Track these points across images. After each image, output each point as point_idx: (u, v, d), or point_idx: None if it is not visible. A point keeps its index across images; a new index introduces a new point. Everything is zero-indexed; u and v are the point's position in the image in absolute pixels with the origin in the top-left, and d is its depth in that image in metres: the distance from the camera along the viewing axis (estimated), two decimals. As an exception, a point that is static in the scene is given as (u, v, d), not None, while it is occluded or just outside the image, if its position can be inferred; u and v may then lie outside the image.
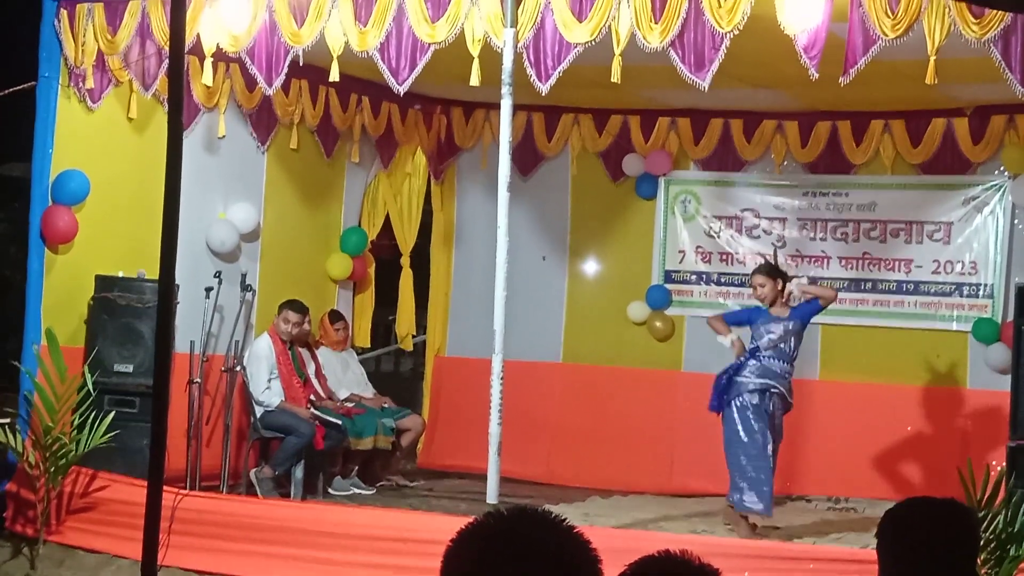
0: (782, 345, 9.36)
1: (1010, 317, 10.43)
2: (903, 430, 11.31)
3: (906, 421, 11.33)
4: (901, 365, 11.45)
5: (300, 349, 10.86)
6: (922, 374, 11.38)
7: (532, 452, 11.80)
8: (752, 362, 9.35)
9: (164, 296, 4.71)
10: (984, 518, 7.10)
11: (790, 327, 9.37)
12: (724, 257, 12.11)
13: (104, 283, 9.69)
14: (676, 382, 12.06)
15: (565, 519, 1.98)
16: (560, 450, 12.12)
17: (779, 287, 9.47)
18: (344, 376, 11.40)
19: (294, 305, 10.58)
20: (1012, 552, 7.14)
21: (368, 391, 11.55)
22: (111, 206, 9.83)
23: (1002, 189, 11.18)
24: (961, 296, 11.33)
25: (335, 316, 11.53)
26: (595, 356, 12.33)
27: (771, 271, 9.59)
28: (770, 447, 9.25)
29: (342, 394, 11.21)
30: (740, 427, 9.30)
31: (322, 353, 11.32)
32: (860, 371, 11.62)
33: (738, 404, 9.32)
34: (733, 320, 9.83)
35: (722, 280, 12.11)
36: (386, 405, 11.37)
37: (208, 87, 10.11)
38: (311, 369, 10.94)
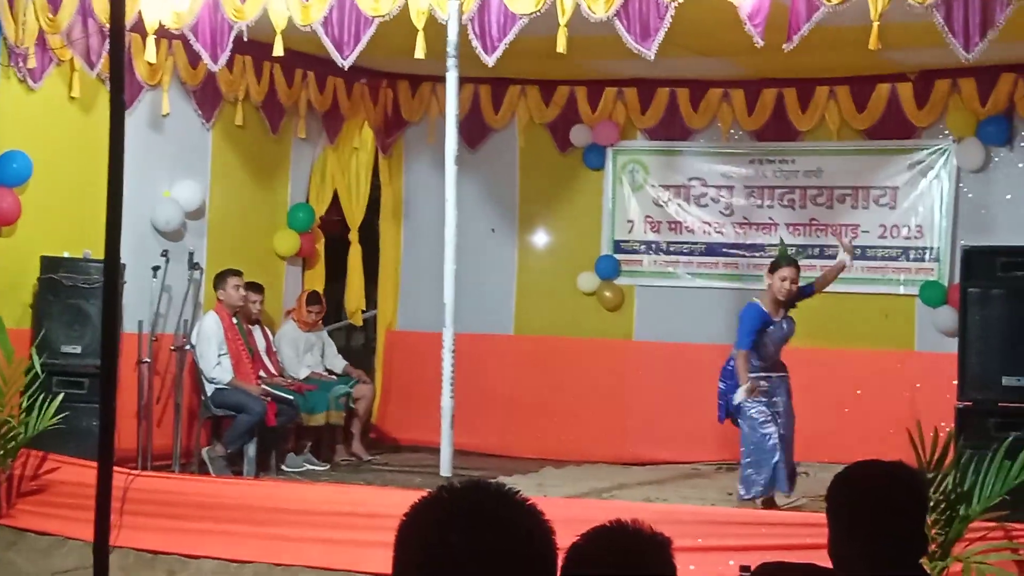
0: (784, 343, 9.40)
1: (956, 280, 10.52)
2: (853, 394, 11.40)
3: (855, 385, 11.42)
4: (849, 329, 11.54)
5: (249, 326, 10.82)
6: (870, 338, 11.47)
7: (485, 424, 11.81)
8: (759, 362, 9.28)
9: (110, 276, 4.67)
10: (933, 479, 7.17)
11: (786, 328, 9.37)
12: (673, 226, 12.14)
13: (49, 264, 9.60)
14: (627, 351, 12.11)
15: (518, 491, 1.98)
16: (513, 421, 12.14)
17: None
18: (307, 356, 11.37)
19: (232, 271, 10.52)
20: (961, 512, 7.22)
21: (337, 364, 11.55)
22: (55, 186, 9.74)
23: (946, 153, 11.26)
24: (908, 260, 11.42)
25: (313, 298, 11.51)
26: (546, 327, 12.35)
27: (796, 262, 9.47)
28: (772, 432, 9.20)
29: (302, 372, 11.19)
30: (751, 426, 9.26)
31: (288, 330, 11.33)
32: (809, 337, 11.63)
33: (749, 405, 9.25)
34: (751, 339, 9.37)
35: (671, 249, 12.14)
36: (354, 377, 11.40)
37: (151, 64, 10.01)
38: (261, 346, 10.90)
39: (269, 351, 11.01)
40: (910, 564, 3.30)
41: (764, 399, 9.22)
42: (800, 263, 11.54)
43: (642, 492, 9.86)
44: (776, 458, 9.14)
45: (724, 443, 11.59)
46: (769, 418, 9.19)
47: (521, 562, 1.92)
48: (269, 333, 11.15)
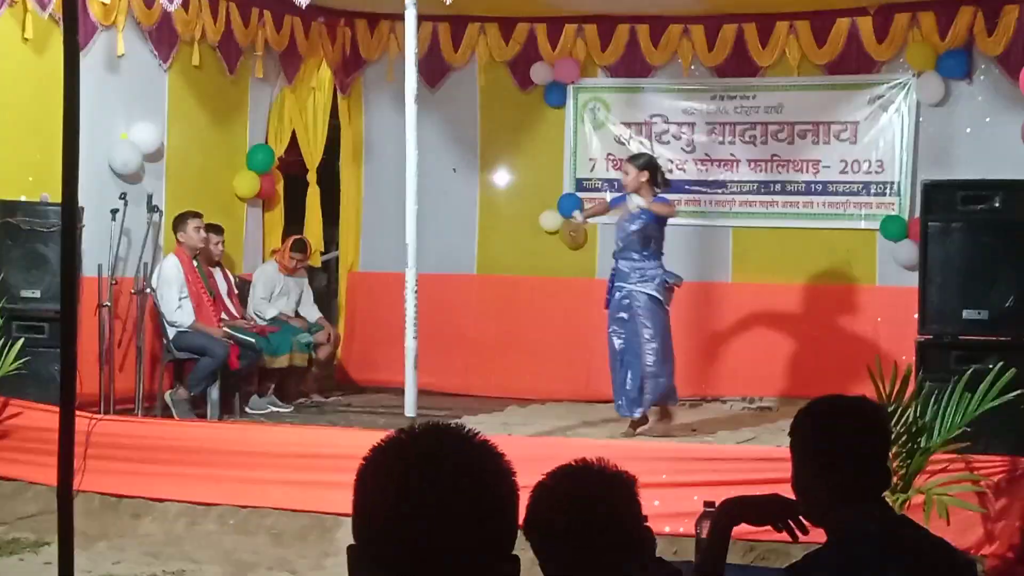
0: (629, 244, 9.47)
1: (916, 214, 10.55)
2: (815, 329, 11.46)
3: (818, 320, 11.48)
4: (811, 265, 11.59)
5: (210, 268, 10.77)
6: (832, 273, 11.52)
7: (449, 364, 11.82)
8: (614, 268, 9.55)
9: (67, 219, 4.62)
10: (895, 412, 7.22)
11: (636, 224, 9.43)
12: (634, 163, 12.11)
13: (6, 208, 9.51)
14: (590, 289, 12.08)
15: (478, 433, 1.97)
16: (477, 361, 12.16)
17: (644, 179, 9.45)
18: (281, 299, 11.34)
19: (192, 213, 10.45)
20: (923, 444, 7.29)
21: (311, 314, 11.52)
22: (10, 130, 9.63)
23: (907, 87, 11.27)
24: (868, 195, 11.45)
25: (298, 245, 11.46)
26: (509, 266, 12.35)
27: (636, 160, 9.62)
28: (620, 349, 9.39)
29: (269, 313, 11.17)
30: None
31: (267, 269, 11.33)
32: (771, 272, 11.74)
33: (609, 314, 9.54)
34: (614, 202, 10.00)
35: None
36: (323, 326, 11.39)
37: (105, 4, 9.89)
38: (223, 288, 10.86)
39: (231, 293, 10.96)
40: (873, 497, 3.33)
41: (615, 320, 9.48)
42: (762, 200, 11.69)
43: (606, 430, 9.90)
44: (617, 375, 9.43)
45: (687, 379, 11.65)
46: (611, 332, 9.44)
47: (483, 504, 1.91)
48: (230, 275, 11.10)
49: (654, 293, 9.41)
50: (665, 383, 9.45)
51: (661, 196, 9.53)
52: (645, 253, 9.46)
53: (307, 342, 11.12)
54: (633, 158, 9.79)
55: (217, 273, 10.89)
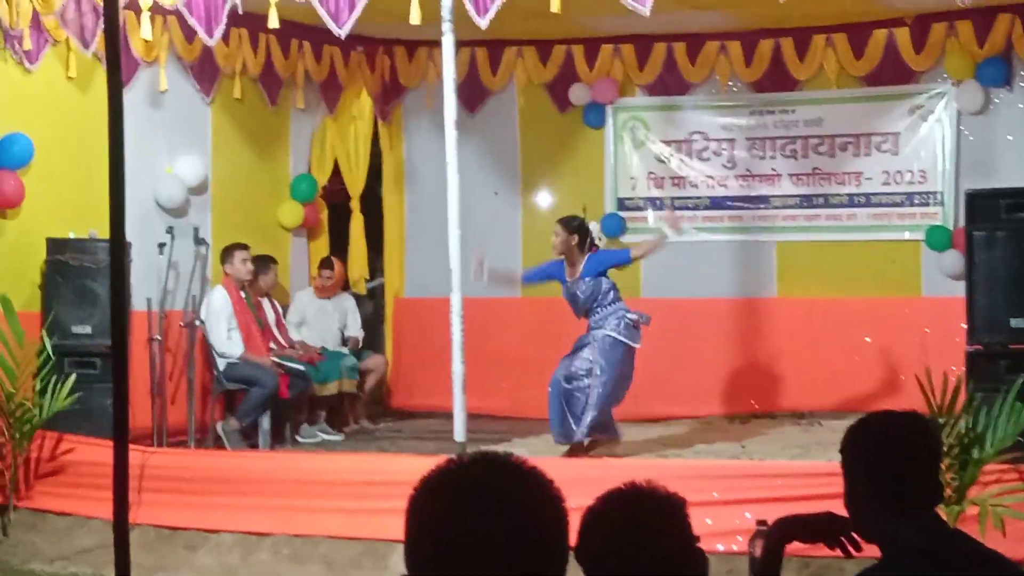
0: (583, 306, 9.56)
1: (961, 223, 10.50)
2: (862, 342, 11.40)
3: (865, 333, 11.43)
4: (857, 277, 11.54)
5: (259, 298, 10.85)
6: (878, 285, 11.47)
7: (497, 387, 11.83)
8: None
9: (116, 255, 4.67)
10: (945, 424, 7.19)
11: (580, 292, 9.52)
12: (676, 181, 12.13)
13: (56, 246, 9.61)
14: (635, 308, 12.09)
15: (525, 461, 1.98)
16: (524, 383, 12.12)
17: (574, 242, 9.51)
18: (318, 323, 11.42)
19: (238, 245, 10.55)
20: (975, 455, 7.24)
21: (355, 331, 11.59)
22: (57, 167, 9.74)
23: (946, 96, 11.23)
24: (912, 205, 11.40)
25: (324, 263, 11.64)
26: (553, 288, 12.27)
27: (569, 223, 9.62)
28: (556, 383, 9.44)
29: (297, 337, 11.22)
30: None
31: (300, 296, 11.48)
32: (817, 286, 11.70)
33: None
34: (529, 276, 10.37)
35: (675, 204, 12.13)
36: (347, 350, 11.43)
37: (147, 41, 9.99)
38: (271, 318, 10.94)
39: (279, 323, 11.04)
40: (926, 511, 3.32)
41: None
42: (805, 213, 11.66)
43: (655, 448, 9.88)
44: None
45: (735, 396, 11.64)
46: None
47: (532, 532, 1.93)
48: (278, 305, 11.17)
49: (612, 334, 9.43)
50: (596, 419, 9.41)
51: (589, 257, 9.57)
52: (602, 303, 9.51)
53: (353, 366, 11.17)
54: (563, 220, 9.74)
55: (265, 303, 10.97)
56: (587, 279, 9.51)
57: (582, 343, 9.53)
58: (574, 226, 9.60)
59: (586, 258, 9.56)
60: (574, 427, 9.36)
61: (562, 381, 9.42)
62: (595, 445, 9.51)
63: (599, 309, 9.50)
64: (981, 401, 7.41)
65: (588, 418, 9.32)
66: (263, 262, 10.92)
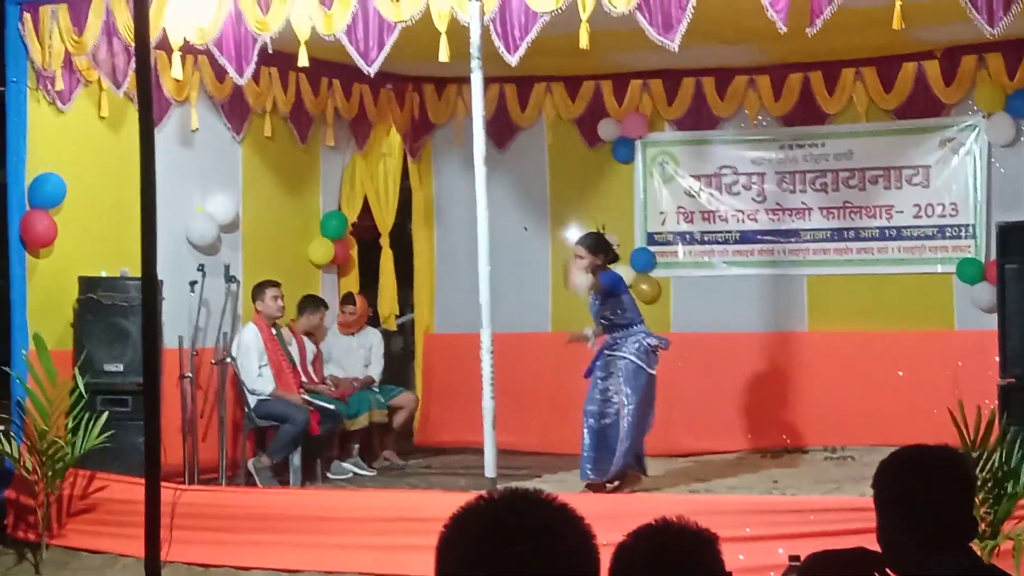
0: (601, 319, 9.56)
1: (993, 256, 10.47)
2: (895, 376, 11.34)
3: (897, 366, 11.37)
4: (889, 311, 11.50)
5: (301, 336, 10.93)
6: (910, 318, 11.42)
7: (527, 423, 11.82)
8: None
9: (148, 293, 4.71)
10: (979, 458, 7.14)
11: (595, 302, 9.55)
12: (706, 216, 12.12)
13: (88, 284, 9.67)
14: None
15: (556, 497, 1.98)
16: (555, 419, 12.12)
17: (599, 262, 9.52)
18: (344, 359, 11.46)
19: (270, 282, 10.61)
20: (1009, 489, 7.19)
21: (375, 371, 11.58)
22: (89, 206, 9.80)
23: (977, 129, 11.20)
24: (943, 238, 11.36)
25: (346, 298, 11.70)
26: (583, 323, 12.24)
27: (591, 246, 9.63)
28: (591, 418, 9.43)
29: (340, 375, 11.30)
30: None
31: (330, 335, 11.52)
32: (848, 320, 11.66)
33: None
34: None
35: (705, 239, 12.12)
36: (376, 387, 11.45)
37: (178, 81, 10.06)
38: (309, 355, 11.02)
39: (316, 360, 11.09)
40: (960, 546, 3.29)
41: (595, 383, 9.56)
42: (836, 247, 11.64)
43: (686, 483, 9.84)
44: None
45: (766, 431, 11.59)
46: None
47: (563, 569, 1.92)
48: (317, 344, 11.23)
49: (632, 358, 9.40)
50: (630, 449, 9.38)
51: (606, 272, 9.57)
52: (618, 323, 9.49)
53: (382, 398, 11.22)
54: (587, 244, 9.71)
55: (306, 340, 11.05)
56: (598, 296, 9.54)
57: (606, 369, 9.48)
58: (598, 245, 9.62)
59: (600, 276, 9.54)
60: (610, 462, 9.32)
61: (595, 419, 9.39)
62: (620, 487, 9.47)
63: (618, 328, 9.48)
64: (1014, 435, 7.36)
65: (623, 448, 9.30)
66: (314, 303, 11.12)
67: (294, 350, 10.90)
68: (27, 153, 9.53)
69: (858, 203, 11.66)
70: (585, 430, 9.43)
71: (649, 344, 9.45)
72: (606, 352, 9.51)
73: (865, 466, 9.87)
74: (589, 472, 9.42)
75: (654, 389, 9.51)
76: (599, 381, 9.47)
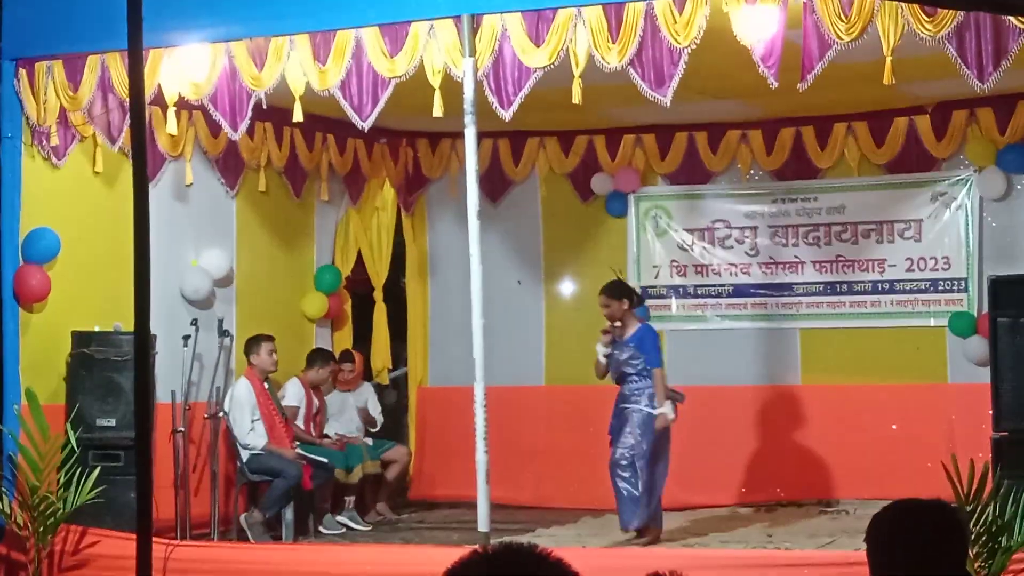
0: (615, 369, 9.71)
1: (985, 309, 10.46)
2: (888, 429, 11.35)
3: (891, 419, 11.38)
4: (882, 364, 11.51)
5: (304, 388, 10.95)
6: (903, 372, 11.43)
7: (521, 477, 11.79)
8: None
9: (140, 348, 4.69)
10: (973, 511, 7.12)
11: (622, 351, 9.66)
12: (699, 269, 12.14)
13: (81, 339, 9.65)
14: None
15: (550, 552, 1.98)
16: (549, 473, 12.12)
17: (626, 307, 9.71)
18: (340, 417, 11.46)
19: (265, 336, 10.62)
20: (1004, 543, 7.17)
21: (359, 432, 11.57)
22: (83, 261, 9.80)
23: (968, 183, 11.26)
24: (936, 291, 11.39)
25: (343, 355, 11.74)
26: (577, 377, 12.29)
27: (615, 292, 9.81)
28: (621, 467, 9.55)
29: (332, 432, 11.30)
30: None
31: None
32: (842, 373, 11.67)
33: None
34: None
35: (699, 292, 12.15)
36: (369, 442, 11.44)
37: (173, 136, 10.09)
38: (314, 409, 11.05)
39: (318, 414, 11.10)
40: (953, 601, 3.29)
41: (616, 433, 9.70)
42: (829, 300, 11.66)
43: (681, 537, 9.81)
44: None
45: (761, 484, 11.57)
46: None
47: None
48: (316, 398, 11.25)
49: (649, 410, 9.45)
50: (652, 500, 9.50)
51: (650, 333, 9.78)
52: (640, 373, 9.60)
53: (374, 449, 11.22)
54: (611, 291, 9.89)
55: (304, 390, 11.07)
56: (631, 344, 9.64)
57: (623, 421, 9.59)
58: (621, 291, 9.80)
59: (640, 326, 9.76)
60: (640, 511, 9.42)
61: (619, 472, 9.48)
62: (642, 539, 9.51)
63: (635, 378, 9.57)
64: (1008, 488, 7.35)
65: (648, 500, 9.44)
66: (323, 357, 11.23)
67: (302, 402, 10.89)
68: (21, 208, 9.52)
69: (851, 257, 11.69)
70: (621, 482, 9.48)
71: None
72: (627, 406, 9.63)
73: (859, 519, 9.86)
74: (625, 522, 9.52)
75: (669, 437, 9.59)
76: (618, 434, 9.61)
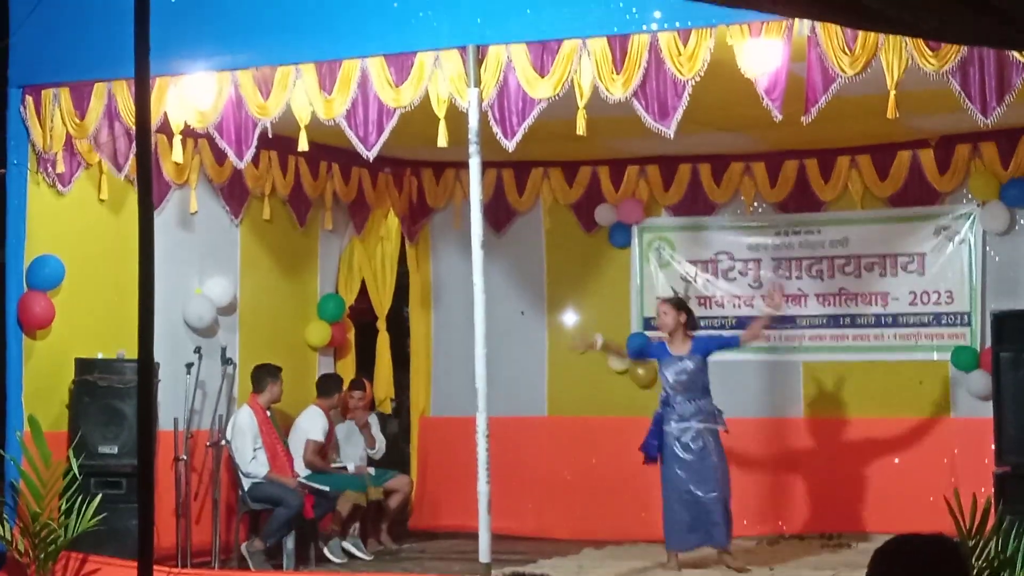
0: (690, 384, 9.66)
1: (988, 344, 10.48)
2: (891, 463, 11.33)
3: (893, 453, 11.36)
4: (884, 398, 11.49)
5: (325, 414, 10.96)
6: (906, 406, 11.41)
7: (523, 507, 11.77)
8: (668, 409, 9.70)
9: (144, 375, 4.71)
10: (975, 546, 7.11)
11: (691, 366, 9.65)
12: (702, 301, 12.13)
13: (84, 366, 9.66)
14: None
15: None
16: (551, 504, 12.10)
17: (682, 320, 9.79)
18: (348, 445, 11.45)
19: (275, 367, 10.62)
20: (1006, 578, 7.16)
21: (363, 461, 11.54)
22: (87, 289, 9.82)
23: (971, 217, 11.26)
24: (939, 325, 11.38)
25: (354, 384, 11.73)
26: (579, 407, 12.33)
27: (678, 303, 9.99)
28: (690, 487, 9.56)
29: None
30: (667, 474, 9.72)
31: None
32: (844, 406, 11.66)
33: (665, 455, 9.69)
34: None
35: (702, 324, 12.11)
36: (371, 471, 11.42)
37: (178, 164, 10.13)
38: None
39: (328, 441, 11.09)
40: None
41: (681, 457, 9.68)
42: (832, 333, 11.66)
43: (684, 572, 9.78)
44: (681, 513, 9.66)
45: (763, 517, 11.54)
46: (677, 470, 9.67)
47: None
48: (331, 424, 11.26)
49: (720, 429, 9.63)
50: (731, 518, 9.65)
51: (696, 336, 9.87)
52: (702, 390, 9.67)
53: (377, 477, 11.22)
54: (670, 300, 10.12)
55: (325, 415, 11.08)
56: (697, 356, 9.70)
57: (685, 442, 9.59)
58: (683, 305, 9.97)
59: (694, 337, 9.82)
60: (720, 534, 9.59)
61: (697, 493, 9.58)
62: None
63: (700, 397, 9.64)
64: (1010, 524, 7.33)
65: (726, 518, 9.58)
66: (337, 384, 11.28)
67: (320, 429, 10.86)
68: (26, 235, 9.56)
69: (854, 290, 11.69)
70: (681, 505, 9.61)
71: (720, 412, 9.74)
72: (692, 424, 9.63)
73: (861, 553, 9.83)
74: (714, 539, 9.66)
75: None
76: (689, 454, 9.60)
